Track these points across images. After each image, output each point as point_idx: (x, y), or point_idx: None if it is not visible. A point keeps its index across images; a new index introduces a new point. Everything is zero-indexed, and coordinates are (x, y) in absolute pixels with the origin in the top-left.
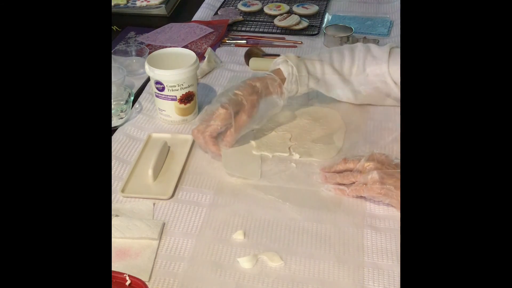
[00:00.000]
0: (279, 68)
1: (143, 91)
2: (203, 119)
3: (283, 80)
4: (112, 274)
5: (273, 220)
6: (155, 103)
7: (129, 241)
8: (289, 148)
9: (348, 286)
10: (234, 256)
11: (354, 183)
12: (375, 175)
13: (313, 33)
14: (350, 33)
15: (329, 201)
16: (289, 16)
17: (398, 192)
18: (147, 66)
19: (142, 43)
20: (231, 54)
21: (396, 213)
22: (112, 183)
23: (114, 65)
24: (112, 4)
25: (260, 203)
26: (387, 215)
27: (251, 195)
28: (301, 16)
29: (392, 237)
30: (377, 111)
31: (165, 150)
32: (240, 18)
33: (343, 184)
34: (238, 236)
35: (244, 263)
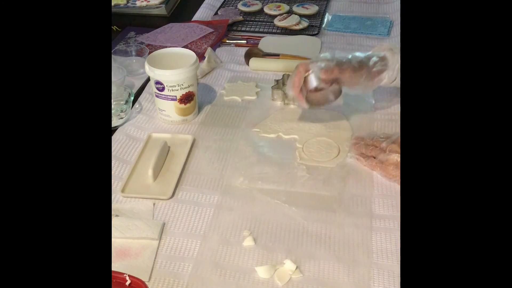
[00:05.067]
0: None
1: (143, 91)
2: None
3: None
4: (112, 274)
5: (279, 224)
6: (155, 103)
7: (129, 241)
8: (296, 151)
9: (349, 286)
10: (237, 257)
11: (374, 157)
12: (393, 157)
13: (313, 33)
14: None
15: (334, 203)
16: (289, 16)
17: None
18: (147, 66)
19: (142, 43)
20: (231, 54)
21: (397, 214)
22: (112, 183)
23: (114, 65)
24: (112, 4)
25: (265, 207)
26: (387, 215)
27: (256, 198)
28: (301, 16)
29: (393, 237)
30: (384, 113)
31: (165, 150)
32: (240, 18)
33: (365, 156)
34: (249, 242)
35: (262, 272)
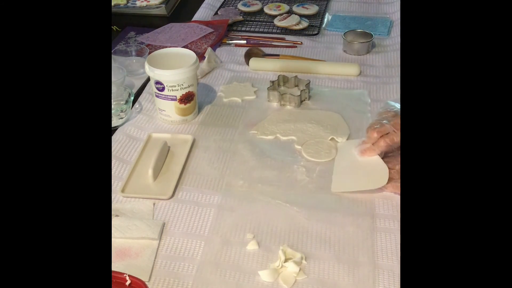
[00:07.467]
0: None
1: (143, 91)
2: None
3: None
4: (112, 274)
5: (281, 224)
6: (155, 103)
7: (129, 241)
8: (296, 152)
9: (351, 286)
10: (240, 259)
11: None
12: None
13: (313, 33)
14: (370, 39)
15: (335, 203)
16: (289, 16)
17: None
18: (147, 66)
19: (142, 43)
20: (231, 54)
21: (398, 214)
22: (112, 183)
23: (114, 65)
24: (112, 4)
25: (266, 207)
26: (389, 215)
27: (257, 199)
28: (301, 16)
29: (393, 237)
30: None
31: (165, 150)
32: (240, 18)
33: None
34: (253, 246)
35: (265, 276)
